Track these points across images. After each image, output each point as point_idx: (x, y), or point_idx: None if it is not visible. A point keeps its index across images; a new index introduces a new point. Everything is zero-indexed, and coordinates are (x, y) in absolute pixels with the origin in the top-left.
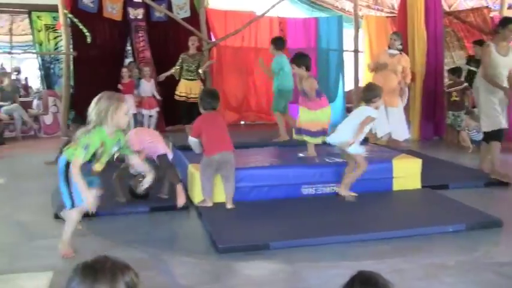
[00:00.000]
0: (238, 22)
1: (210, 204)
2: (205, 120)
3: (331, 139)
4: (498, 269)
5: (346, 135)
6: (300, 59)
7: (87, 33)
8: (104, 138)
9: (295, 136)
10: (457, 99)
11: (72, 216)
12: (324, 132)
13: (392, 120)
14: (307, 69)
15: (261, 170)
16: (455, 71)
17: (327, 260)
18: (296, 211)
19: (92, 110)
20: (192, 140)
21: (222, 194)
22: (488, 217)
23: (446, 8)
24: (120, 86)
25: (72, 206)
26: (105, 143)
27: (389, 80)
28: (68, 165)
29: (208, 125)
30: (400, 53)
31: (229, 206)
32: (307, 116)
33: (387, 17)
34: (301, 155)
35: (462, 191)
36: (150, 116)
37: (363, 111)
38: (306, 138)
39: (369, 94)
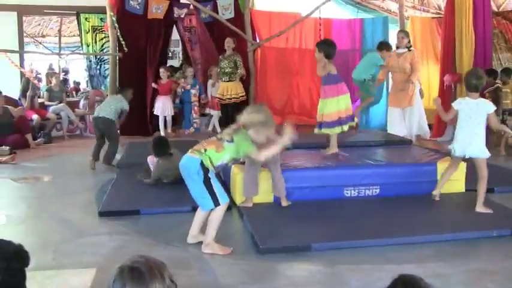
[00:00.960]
0: (282, 23)
1: (250, 204)
2: None
3: (471, 153)
4: None
5: (483, 140)
6: (323, 44)
7: (123, 42)
8: None
9: (316, 131)
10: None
11: (219, 215)
12: (340, 122)
13: (413, 120)
14: (327, 56)
15: (304, 171)
16: (490, 73)
17: (368, 263)
18: (338, 213)
19: (248, 114)
20: None
21: (263, 194)
22: None
23: (494, 9)
24: (154, 85)
25: (216, 205)
26: None
27: (398, 82)
28: (203, 166)
29: None
30: (409, 50)
31: (283, 203)
32: (326, 107)
33: (433, 17)
34: (323, 151)
35: (508, 195)
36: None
37: (485, 105)
38: (325, 130)
39: (481, 82)
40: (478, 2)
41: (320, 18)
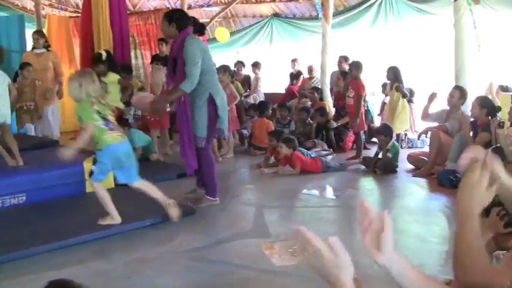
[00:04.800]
0: None
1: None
2: None
3: None
4: (193, 254)
5: None
6: None
7: None
8: None
9: None
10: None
11: None
12: None
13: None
14: None
15: None
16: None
17: (28, 273)
18: None
19: None
20: None
21: None
22: (183, 207)
23: (131, 8)
24: None
25: None
26: None
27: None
28: None
29: None
30: (48, 50)
31: None
32: None
33: (70, 17)
34: None
35: (160, 184)
36: None
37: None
38: None
39: None
40: (113, 1)
41: None
